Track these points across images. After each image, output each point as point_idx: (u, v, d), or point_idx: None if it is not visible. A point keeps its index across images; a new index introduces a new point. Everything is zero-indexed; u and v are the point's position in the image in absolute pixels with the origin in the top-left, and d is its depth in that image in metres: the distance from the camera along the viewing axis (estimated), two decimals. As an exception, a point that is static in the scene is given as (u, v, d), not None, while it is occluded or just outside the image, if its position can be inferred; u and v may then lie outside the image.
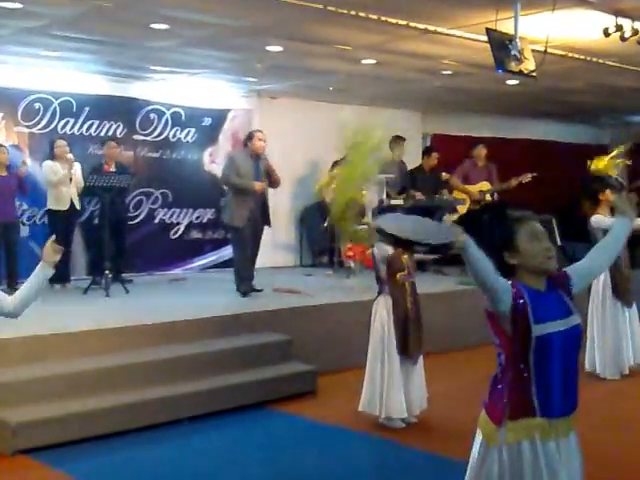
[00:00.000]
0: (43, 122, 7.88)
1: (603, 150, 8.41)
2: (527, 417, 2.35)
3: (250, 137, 6.91)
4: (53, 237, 2.89)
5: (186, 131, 8.92)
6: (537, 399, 2.34)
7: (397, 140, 9.37)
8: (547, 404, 2.35)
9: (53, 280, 7.22)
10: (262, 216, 6.95)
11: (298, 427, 5.07)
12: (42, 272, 2.84)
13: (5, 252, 6.97)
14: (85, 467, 4.28)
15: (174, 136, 8.84)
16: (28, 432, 4.44)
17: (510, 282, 2.38)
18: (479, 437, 2.44)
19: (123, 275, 7.45)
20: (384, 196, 8.06)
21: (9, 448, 4.36)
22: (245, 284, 6.92)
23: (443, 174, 8.90)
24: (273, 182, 7.01)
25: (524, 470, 2.33)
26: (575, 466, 2.40)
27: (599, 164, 6.59)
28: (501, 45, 6.07)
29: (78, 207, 7.43)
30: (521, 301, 2.34)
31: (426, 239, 2.25)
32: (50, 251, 2.83)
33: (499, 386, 2.43)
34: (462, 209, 8.68)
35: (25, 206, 7.68)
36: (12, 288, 6.75)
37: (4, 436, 4.39)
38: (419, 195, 8.66)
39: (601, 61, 7.37)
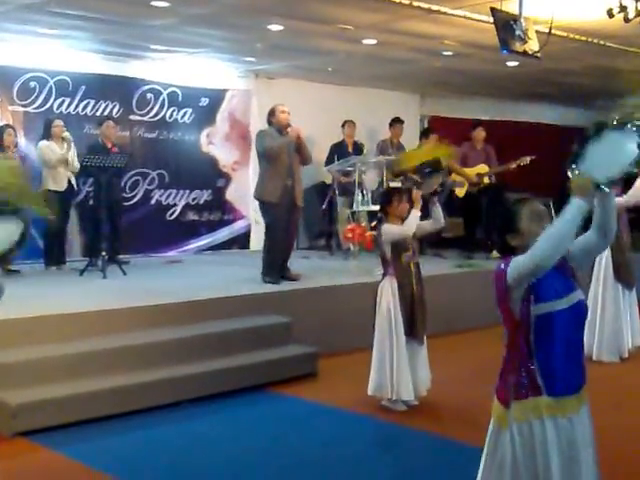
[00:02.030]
0: (38, 101, 7.76)
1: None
2: (533, 396, 2.35)
3: (272, 112, 6.55)
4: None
5: (183, 111, 8.82)
6: (541, 378, 2.35)
7: (395, 122, 9.33)
8: (552, 383, 2.35)
9: (49, 262, 7.22)
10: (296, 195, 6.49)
11: (299, 409, 5.06)
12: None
13: None
14: (85, 449, 4.26)
15: (171, 116, 8.74)
16: (28, 414, 4.41)
17: (506, 259, 2.39)
18: (492, 421, 2.45)
19: (119, 257, 7.38)
20: (383, 178, 8.01)
21: (9, 430, 4.33)
22: (274, 272, 6.44)
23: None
24: (303, 157, 6.58)
25: (536, 449, 2.34)
26: (589, 441, 2.41)
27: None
28: (506, 25, 6.02)
29: (75, 188, 7.34)
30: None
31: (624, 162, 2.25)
32: None
33: (506, 368, 2.44)
34: (460, 192, 8.66)
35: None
36: (5, 270, 6.68)
37: (3, 418, 4.35)
38: (416, 177, 8.60)
39: (603, 43, 7.32)
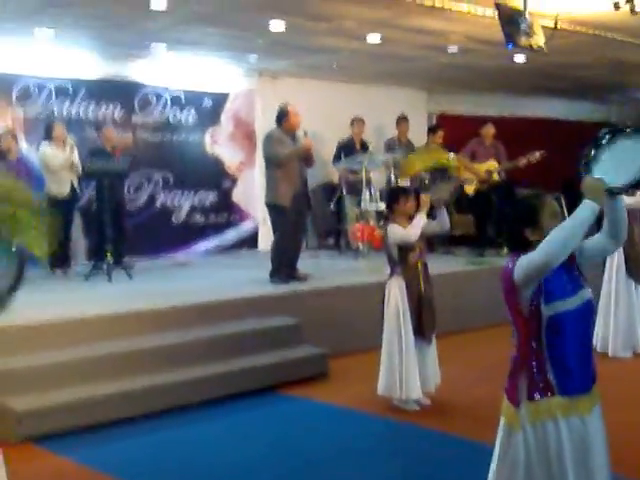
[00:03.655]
0: (39, 105, 7.72)
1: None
2: (546, 397, 2.33)
3: (284, 114, 6.40)
4: None
5: (186, 112, 8.77)
6: (554, 378, 2.34)
7: (401, 120, 9.25)
8: (565, 383, 2.34)
9: (54, 266, 7.17)
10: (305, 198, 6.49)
11: (310, 410, 5.02)
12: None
13: None
14: (92, 454, 4.22)
15: (174, 118, 8.69)
16: (34, 419, 4.38)
17: (515, 257, 2.37)
18: (502, 422, 2.43)
19: (125, 260, 7.33)
20: (391, 176, 7.93)
21: (15, 436, 4.29)
22: (282, 273, 6.42)
23: (450, 154, 8.76)
24: (308, 161, 6.52)
25: (550, 450, 2.32)
26: (601, 441, 2.39)
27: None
28: (510, 20, 5.97)
29: (78, 191, 7.30)
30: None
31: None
32: None
33: (516, 367, 2.42)
34: (470, 188, 8.57)
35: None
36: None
37: (10, 424, 4.32)
38: (424, 174, 8.53)
39: (610, 35, 7.25)
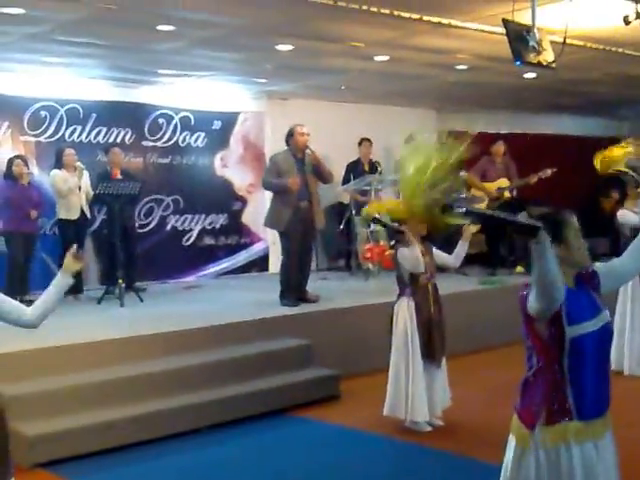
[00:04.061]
0: (50, 130, 7.77)
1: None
2: (563, 421, 2.29)
3: (290, 134, 6.50)
4: (75, 247, 2.88)
5: (196, 135, 8.80)
6: (573, 402, 2.29)
7: (410, 140, 9.22)
8: (582, 406, 2.29)
9: (67, 291, 7.15)
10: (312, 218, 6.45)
11: (322, 433, 5.00)
12: (62, 281, 2.83)
13: (23, 263, 6.86)
14: (103, 479, 4.22)
15: (184, 141, 8.72)
16: (45, 445, 4.39)
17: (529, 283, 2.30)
18: (512, 442, 2.38)
19: (137, 284, 7.33)
20: (400, 196, 7.89)
21: (27, 461, 4.29)
22: (290, 295, 6.42)
23: (461, 173, 8.72)
24: (323, 177, 6.52)
25: (562, 474, 2.28)
26: (611, 466, 2.35)
27: (610, 158, 6.32)
28: (519, 36, 5.93)
29: (89, 216, 7.33)
30: None
31: (517, 221, 2.17)
32: (71, 259, 2.81)
33: (531, 390, 2.36)
34: (480, 207, 8.52)
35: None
36: (23, 300, 6.64)
37: (21, 449, 4.28)
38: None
39: (620, 50, 7.20)
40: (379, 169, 8.44)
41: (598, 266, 2.43)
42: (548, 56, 6.10)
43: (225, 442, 4.75)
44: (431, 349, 4.70)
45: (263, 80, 8.35)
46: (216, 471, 4.28)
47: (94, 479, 4.20)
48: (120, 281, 6.69)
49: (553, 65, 6.12)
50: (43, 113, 7.73)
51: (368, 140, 8.95)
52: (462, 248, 4.76)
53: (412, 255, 4.59)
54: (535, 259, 2.13)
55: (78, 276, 7.26)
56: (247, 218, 9.22)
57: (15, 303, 2.78)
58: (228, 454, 4.56)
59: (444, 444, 4.55)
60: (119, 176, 7.29)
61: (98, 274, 7.91)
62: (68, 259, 2.80)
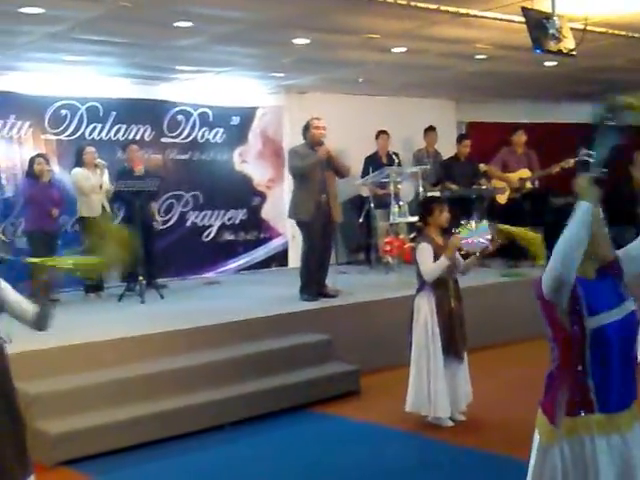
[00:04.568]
0: (70, 129, 7.82)
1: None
2: (585, 414, 2.26)
3: (307, 127, 6.49)
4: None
5: (214, 131, 8.80)
6: (595, 395, 2.25)
7: (428, 130, 9.17)
8: (605, 399, 2.26)
9: (88, 289, 7.24)
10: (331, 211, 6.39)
11: (343, 428, 4.97)
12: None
13: None
14: (127, 476, 4.24)
15: (202, 137, 8.73)
16: (68, 443, 4.40)
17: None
18: (537, 437, 2.35)
19: (157, 280, 7.36)
20: (420, 188, 7.84)
21: (50, 459, 4.31)
22: (311, 288, 6.39)
23: (481, 165, 8.64)
24: (339, 171, 6.49)
25: (588, 466, 2.24)
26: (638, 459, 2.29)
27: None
28: (538, 24, 5.84)
29: (110, 213, 7.36)
30: (576, 290, 2.23)
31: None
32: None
33: (554, 383, 2.33)
34: (502, 198, 8.42)
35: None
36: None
37: (44, 448, 4.32)
38: (454, 186, 8.43)
39: (641, 36, 7.07)
40: (397, 161, 8.37)
41: (620, 250, 2.38)
42: (568, 43, 6.00)
43: (247, 438, 4.75)
44: (453, 344, 4.65)
45: (281, 74, 8.33)
46: (239, 467, 4.28)
47: (117, 476, 4.21)
48: (141, 278, 6.72)
49: (574, 53, 6.02)
50: (64, 112, 7.78)
51: (385, 132, 8.90)
52: (439, 264, 4.54)
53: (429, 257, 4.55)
54: (576, 218, 2.13)
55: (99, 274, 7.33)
56: (266, 213, 9.22)
57: (24, 302, 2.80)
58: (250, 450, 4.56)
59: (466, 439, 4.52)
60: (142, 171, 7.31)
61: (119, 271, 7.95)
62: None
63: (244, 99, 8.99)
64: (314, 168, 6.34)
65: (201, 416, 4.87)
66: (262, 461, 4.38)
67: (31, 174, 6.96)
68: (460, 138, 8.96)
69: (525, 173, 8.52)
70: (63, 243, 7.42)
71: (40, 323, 2.81)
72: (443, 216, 4.66)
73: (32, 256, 6.83)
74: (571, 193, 2.39)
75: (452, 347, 4.64)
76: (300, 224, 6.54)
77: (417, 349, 4.69)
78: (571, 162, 8.20)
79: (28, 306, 2.79)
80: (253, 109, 9.13)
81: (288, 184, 8.14)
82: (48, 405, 4.50)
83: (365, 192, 8.79)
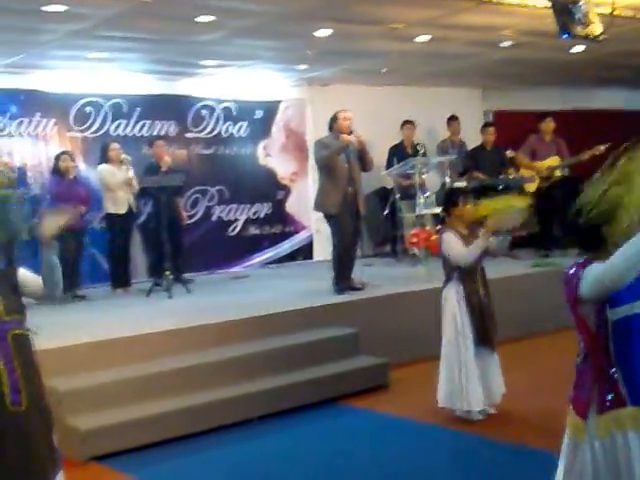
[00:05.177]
0: (95, 126, 7.86)
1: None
2: (616, 408, 2.22)
3: (334, 118, 6.44)
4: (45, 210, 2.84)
5: (238, 125, 8.79)
6: (624, 387, 2.21)
7: (451, 120, 9.07)
8: (635, 391, 2.21)
9: (115, 284, 7.29)
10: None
11: (372, 422, 4.94)
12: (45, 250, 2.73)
13: (72, 258, 6.95)
14: (157, 471, 4.24)
15: (226, 131, 8.72)
16: (98, 439, 4.42)
17: (582, 262, 2.23)
18: (567, 432, 2.33)
19: (184, 275, 7.38)
20: (447, 179, 7.75)
21: (80, 455, 4.33)
22: (344, 280, 6.37)
23: (508, 152, 8.51)
24: (365, 161, 6.43)
25: (620, 464, 2.21)
26: None
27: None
28: (564, 9, 5.74)
29: (135, 210, 7.40)
30: None
31: None
32: (47, 226, 2.71)
33: (582, 377, 2.31)
34: (531, 187, 8.29)
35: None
36: (76, 295, 6.76)
37: (75, 443, 4.35)
38: (481, 175, 8.32)
39: (674, 18, 6.89)
40: (422, 151, 8.29)
41: None
42: (596, 28, 5.88)
43: (276, 432, 4.74)
44: (484, 334, 4.58)
45: (303, 67, 8.29)
46: (268, 461, 4.27)
47: (147, 472, 4.21)
48: (168, 273, 6.75)
49: (601, 38, 5.89)
50: (88, 109, 7.82)
51: (411, 122, 8.80)
52: (476, 244, 4.45)
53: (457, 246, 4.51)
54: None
55: (125, 269, 7.39)
56: (291, 207, 9.20)
57: (33, 277, 2.75)
58: (279, 444, 4.55)
59: (496, 432, 4.46)
60: (169, 165, 7.33)
61: (146, 267, 8.00)
62: (44, 226, 2.70)
63: (267, 92, 8.96)
64: (339, 158, 6.28)
65: (230, 410, 4.87)
66: (291, 455, 4.37)
67: (57, 171, 7.00)
68: (484, 126, 8.85)
69: (554, 161, 8.38)
70: (91, 240, 7.49)
71: (49, 290, 2.76)
72: (467, 208, 4.59)
73: (59, 254, 6.97)
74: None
75: (483, 337, 4.58)
76: (327, 217, 6.49)
77: (447, 342, 4.63)
78: (601, 149, 8.04)
79: (37, 278, 2.76)
80: (276, 102, 9.10)
81: (312, 177, 8.11)
82: (78, 401, 4.53)
83: (390, 183, 8.72)
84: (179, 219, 7.62)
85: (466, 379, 4.53)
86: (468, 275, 4.60)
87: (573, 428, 2.30)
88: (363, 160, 6.42)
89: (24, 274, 2.73)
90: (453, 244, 4.53)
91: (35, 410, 2.57)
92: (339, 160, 6.30)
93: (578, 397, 2.31)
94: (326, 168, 6.37)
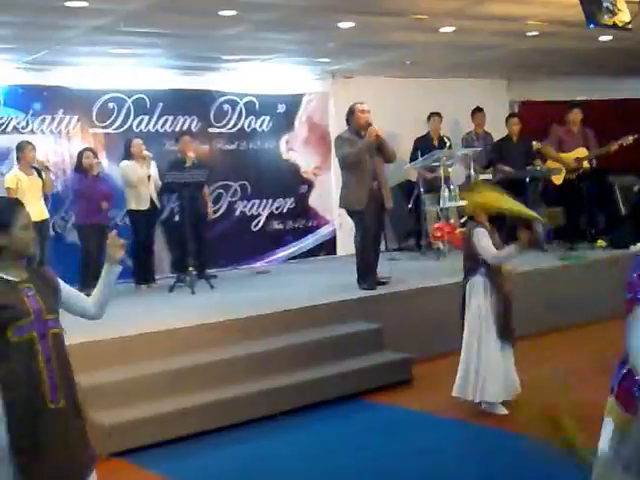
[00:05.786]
0: (118, 122, 7.87)
1: None
2: None
3: (351, 112, 6.34)
4: (114, 232, 2.85)
5: (261, 120, 8.75)
6: None
7: (476, 112, 8.94)
8: None
9: (139, 281, 7.31)
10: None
11: (395, 417, 4.92)
12: (110, 270, 2.78)
13: (96, 255, 6.97)
14: (181, 467, 4.25)
15: (249, 126, 8.69)
16: (122, 434, 4.44)
17: None
18: (610, 426, 2.27)
19: (207, 271, 7.38)
20: (471, 171, 7.65)
21: (104, 450, 4.32)
22: (370, 278, 6.28)
23: (534, 143, 8.37)
24: (387, 154, 6.31)
25: None
26: None
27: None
28: (592, -3, 5.60)
29: (158, 206, 7.41)
30: None
31: None
32: (112, 248, 2.77)
33: (630, 371, 2.22)
34: (557, 179, 8.15)
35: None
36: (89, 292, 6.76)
37: (99, 439, 4.31)
38: (507, 168, 8.19)
39: None
40: (449, 144, 8.18)
41: None
42: (623, 17, 5.74)
43: (299, 428, 4.74)
44: (508, 328, 4.59)
45: (326, 60, 8.23)
46: (291, 457, 4.27)
47: (170, 467, 4.22)
48: (191, 269, 6.74)
49: (629, 26, 5.75)
50: (111, 105, 7.83)
51: (438, 114, 8.68)
52: (508, 252, 4.51)
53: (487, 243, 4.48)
54: None
55: (149, 266, 7.41)
56: (314, 201, 9.14)
57: (82, 297, 2.79)
58: (304, 440, 4.55)
59: (521, 428, 4.38)
60: (193, 161, 7.32)
61: (169, 263, 8.02)
62: (110, 249, 2.76)
63: (290, 86, 8.91)
64: (363, 154, 6.18)
65: (253, 406, 4.87)
66: (314, 450, 4.37)
67: (80, 168, 7.03)
68: (508, 117, 8.71)
69: (582, 152, 8.21)
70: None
71: (101, 309, 2.80)
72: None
73: (83, 251, 7.04)
74: (631, 171, 2.23)
75: (508, 331, 4.58)
76: (353, 213, 6.38)
77: (469, 333, 4.63)
78: (630, 139, 7.88)
79: (87, 300, 2.78)
80: (299, 96, 9.04)
81: (335, 171, 8.05)
82: (102, 396, 4.54)
83: (414, 176, 8.63)
84: (204, 213, 7.60)
85: (485, 371, 4.52)
86: (494, 269, 4.59)
87: (618, 422, 2.25)
88: (383, 152, 6.31)
89: (73, 295, 2.74)
90: (484, 243, 4.52)
91: (71, 409, 2.58)
92: (363, 155, 6.20)
93: (625, 391, 2.24)
94: (350, 165, 6.26)
